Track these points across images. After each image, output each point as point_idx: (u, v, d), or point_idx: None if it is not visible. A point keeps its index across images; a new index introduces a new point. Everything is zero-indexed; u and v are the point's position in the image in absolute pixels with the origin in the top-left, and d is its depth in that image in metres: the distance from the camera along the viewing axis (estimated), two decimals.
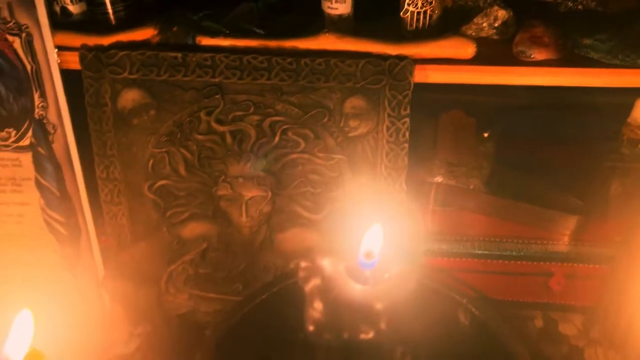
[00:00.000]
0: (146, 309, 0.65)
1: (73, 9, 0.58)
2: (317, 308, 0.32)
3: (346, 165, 0.57)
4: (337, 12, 0.55)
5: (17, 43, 0.56)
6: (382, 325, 0.32)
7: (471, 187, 0.72)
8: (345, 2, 0.54)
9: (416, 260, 0.54)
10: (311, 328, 0.32)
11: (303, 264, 0.33)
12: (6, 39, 0.56)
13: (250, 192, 0.56)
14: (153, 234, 0.62)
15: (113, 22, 0.57)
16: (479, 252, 0.68)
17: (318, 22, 0.56)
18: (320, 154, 0.56)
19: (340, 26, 0.55)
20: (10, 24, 0.55)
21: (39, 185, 0.64)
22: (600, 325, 0.66)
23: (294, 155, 0.56)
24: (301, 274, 0.33)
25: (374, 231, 0.34)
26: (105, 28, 0.57)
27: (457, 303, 0.41)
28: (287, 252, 0.61)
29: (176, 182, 0.59)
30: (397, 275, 0.33)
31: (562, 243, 0.70)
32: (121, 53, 0.54)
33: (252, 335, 0.40)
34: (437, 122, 0.73)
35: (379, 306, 0.32)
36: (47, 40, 0.56)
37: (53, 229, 0.66)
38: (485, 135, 0.76)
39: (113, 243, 0.65)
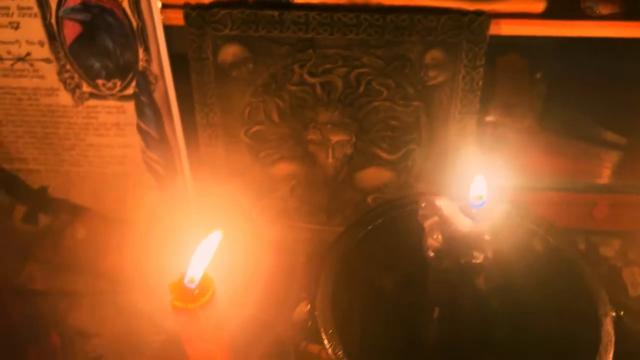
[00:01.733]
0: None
1: None
2: (437, 239, 0.40)
3: (423, 111, 0.63)
4: None
5: (125, 2, 0.62)
6: (489, 253, 0.40)
7: (525, 125, 0.79)
8: None
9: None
10: (431, 254, 0.41)
11: (423, 204, 0.41)
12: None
13: (337, 137, 0.64)
14: (246, 172, 0.70)
15: None
16: (530, 185, 0.75)
17: None
18: (400, 102, 0.63)
19: None
20: None
21: (140, 129, 0.72)
22: (637, 247, 0.75)
23: (377, 103, 0.63)
24: (421, 212, 0.41)
25: (481, 179, 0.41)
26: None
27: (532, 232, 0.49)
28: (364, 188, 0.69)
29: (269, 128, 0.66)
30: (498, 213, 0.41)
31: (606, 176, 0.78)
32: (223, 11, 0.60)
33: (372, 254, 0.49)
34: (494, 64, 0.78)
35: (486, 237, 0.40)
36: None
37: (152, 168, 0.75)
38: (538, 76, 0.82)
39: (209, 180, 0.73)
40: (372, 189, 0.68)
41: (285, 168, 0.68)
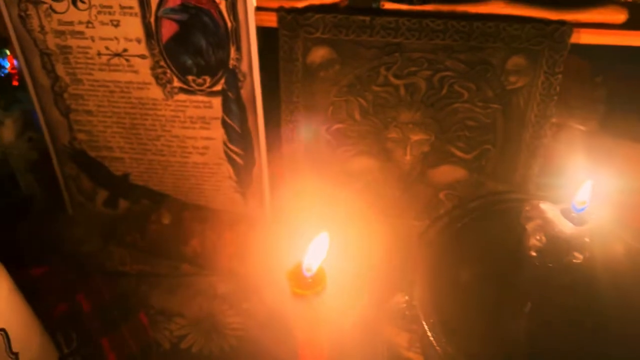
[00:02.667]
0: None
1: None
2: (540, 240, 0.44)
3: (500, 113, 0.67)
4: None
5: (222, 4, 0.65)
6: (587, 253, 0.44)
7: (587, 128, 0.82)
8: None
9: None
10: (533, 254, 0.44)
11: (527, 207, 0.45)
12: (214, 1, 0.65)
13: (417, 136, 0.67)
14: (324, 167, 0.74)
15: None
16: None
17: None
18: (479, 104, 0.66)
19: None
20: None
21: (224, 123, 0.76)
22: None
23: (457, 105, 0.66)
24: (525, 214, 0.45)
25: (584, 188, 0.45)
26: None
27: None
28: (436, 184, 0.73)
29: (350, 125, 0.70)
30: (596, 217, 0.44)
31: None
32: (316, 16, 0.63)
33: (462, 246, 0.52)
34: None
35: (587, 239, 0.43)
36: (249, 2, 0.65)
37: (231, 159, 0.79)
38: (598, 79, 0.85)
39: (286, 172, 0.77)
40: (444, 186, 0.72)
41: (361, 163, 0.72)
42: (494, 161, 0.70)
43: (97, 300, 0.73)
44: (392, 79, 0.65)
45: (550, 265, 0.44)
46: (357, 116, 0.69)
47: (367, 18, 0.63)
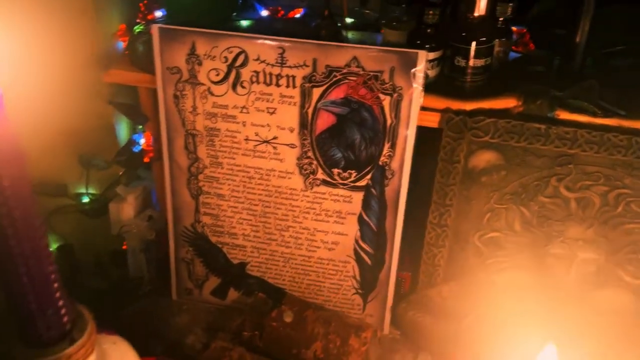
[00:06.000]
0: (440, 343, 0.71)
1: (430, 72, 0.65)
2: None
3: None
4: None
5: (386, 101, 0.64)
6: None
7: None
8: None
9: None
10: None
11: None
12: (378, 97, 0.64)
13: (585, 254, 0.62)
14: (466, 276, 0.68)
15: (467, 89, 0.64)
16: None
17: None
18: None
19: None
20: (387, 85, 0.63)
21: (360, 220, 0.72)
22: None
23: (632, 225, 0.61)
24: None
25: None
26: (463, 94, 0.64)
27: None
28: (598, 308, 0.66)
29: (507, 236, 0.65)
30: None
31: None
32: (488, 120, 0.61)
33: None
34: None
35: None
36: (415, 101, 0.63)
37: (360, 258, 0.75)
38: None
39: (423, 279, 0.72)
40: (607, 311, 0.65)
41: (513, 277, 0.66)
42: None
43: None
44: (564, 191, 0.61)
45: None
46: (517, 226, 0.64)
47: (543, 126, 0.60)
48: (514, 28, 0.70)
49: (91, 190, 0.87)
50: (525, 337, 0.61)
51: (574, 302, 0.65)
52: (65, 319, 0.42)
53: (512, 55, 0.72)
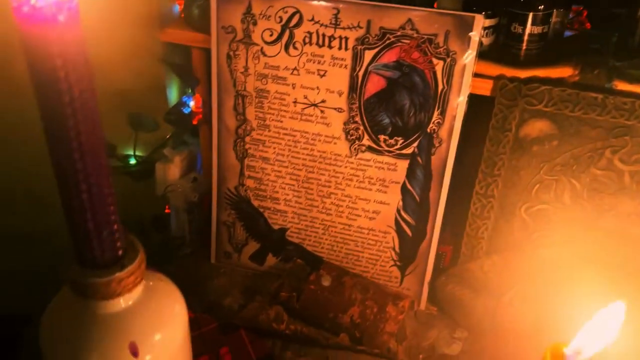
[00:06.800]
0: (478, 318, 0.70)
1: (485, 40, 0.64)
2: None
3: None
4: None
5: (439, 66, 0.64)
6: None
7: None
8: None
9: None
10: None
11: None
12: (430, 62, 0.64)
13: (638, 229, 0.60)
14: (510, 250, 0.67)
15: (522, 57, 0.63)
16: None
17: None
18: None
19: None
20: (441, 49, 0.63)
21: (404, 189, 0.72)
22: None
23: None
24: None
25: None
26: (517, 62, 0.63)
27: None
28: None
29: (555, 208, 0.63)
30: None
31: None
32: (542, 87, 0.60)
33: None
34: None
35: None
36: (469, 67, 0.63)
37: (400, 229, 0.74)
38: None
39: (465, 252, 0.71)
40: None
41: (560, 252, 0.64)
42: None
43: (243, 358, 0.66)
44: (617, 164, 0.60)
45: None
46: (567, 199, 0.63)
47: (600, 96, 0.59)
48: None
49: (138, 153, 0.89)
50: (568, 314, 0.60)
51: (624, 280, 0.63)
52: (119, 244, 0.43)
53: (567, 34, 0.71)
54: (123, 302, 0.44)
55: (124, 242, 0.44)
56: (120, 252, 0.43)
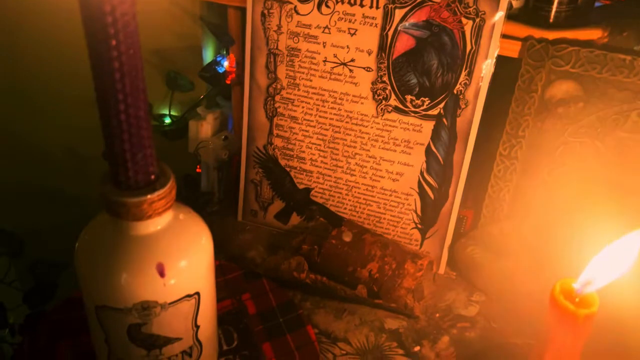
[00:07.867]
0: (496, 281, 0.71)
1: (515, 3, 0.65)
2: None
3: None
4: None
5: (468, 26, 0.65)
6: None
7: None
8: None
9: None
10: None
11: None
12: (460, 21, 0.65)
13: None
14: (533, 214, 0.68)
15: (551, 20, 0.63)
16: None
17: None
18: None
19: None
20: (470, 9, 0.64)
21: (428, 151, 0.73)
22: None
23: None
24: None
25: None
26: (546, 24, 0.63)
27: None
28: None
29: (579, 170, 0.64)
30: None
31: None
32: (570, 48, 0.60)
33: None
34: None
35: None
36: (497, 28, 0.63)
37: (423, 191, 0.75)
38: None
39: (486, 214, 0.72)
40: None
41: (585, 217, 0.65)
42: None
43: (263, 304, 0.69)
44: None
45: None
46: (591, 161, 0.63)
47: (628, 57, 0.59)
48: None
49: (173, 112, 0.93)
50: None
51: None
52: (151, 168, 0.46)
53: (598, 4, 0.70)
54: (152, 226, 0.46)
55: (157, 168, 0.46)
56: (152, 177, 0.46)
